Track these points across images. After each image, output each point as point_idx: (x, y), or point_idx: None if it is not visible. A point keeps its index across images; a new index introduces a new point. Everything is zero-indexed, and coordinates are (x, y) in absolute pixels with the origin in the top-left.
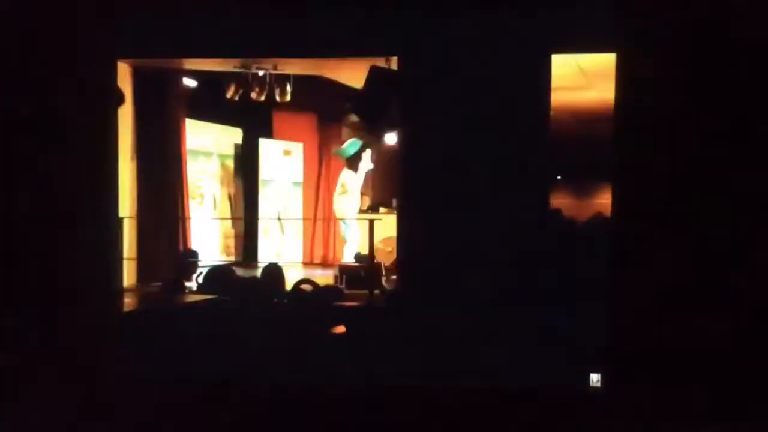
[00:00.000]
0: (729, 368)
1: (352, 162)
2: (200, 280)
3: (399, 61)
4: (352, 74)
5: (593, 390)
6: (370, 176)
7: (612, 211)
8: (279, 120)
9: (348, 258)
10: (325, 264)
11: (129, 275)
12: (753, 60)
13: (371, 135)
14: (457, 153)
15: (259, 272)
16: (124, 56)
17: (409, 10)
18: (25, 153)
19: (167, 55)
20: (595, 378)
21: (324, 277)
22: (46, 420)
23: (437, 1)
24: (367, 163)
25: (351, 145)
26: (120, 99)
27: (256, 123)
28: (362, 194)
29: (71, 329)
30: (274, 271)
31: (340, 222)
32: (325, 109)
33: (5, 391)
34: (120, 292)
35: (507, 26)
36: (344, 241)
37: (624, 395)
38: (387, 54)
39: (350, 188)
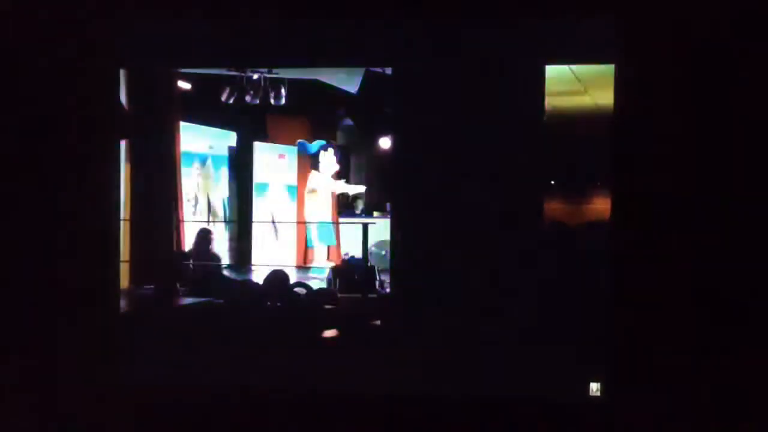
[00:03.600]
0: (730, 370)
1: (314, 161)
2: (194, 283)
3: (393, 70)
4: (347, 78)
5: (593, 398)
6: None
7: (611, 215)
8: (273, 123)
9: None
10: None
11: (122, 278)
12: (752, 66)
13: (366, 138)
14: (450, 157)
15: (252, 275)
16: (127, 65)
17: (404, 20)
18: (27, 157)
19: (167, 65)
20: (594, 386)
21: (317, 280)
22: (45, 420)
23: (432, 10)
24: (329, 163)
25: (314, 144)
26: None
27: (251, 126)
28: (355, 198)
29: (71, 331)
30: (279, 276)
31: (307, 226)
32: (320, 113)
33: (5, 392)
34: (118, 293)
35: (502, 36)
36: (312, 246)
37: (624, 403)
38: (382, 64)
39: (318, 190)
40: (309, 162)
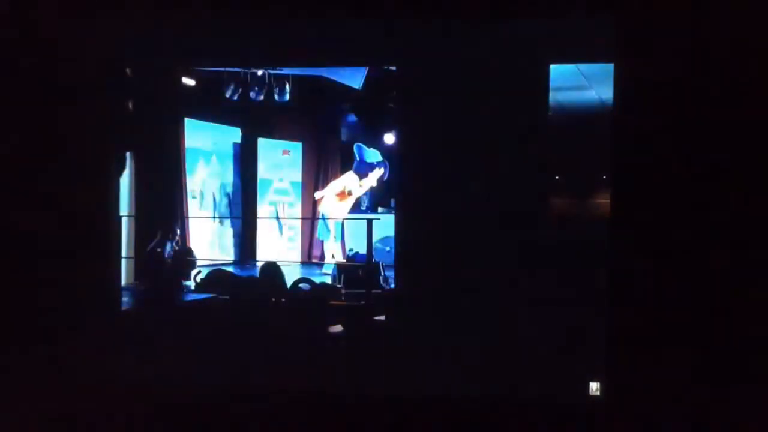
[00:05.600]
0: (729, 369)
1: (363, 168)
2: (198, 279)
3: (397, 66)
4: (351, 74)
5: (593, 398)
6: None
7: (611, 214)
8: (278, 120)
9: (331, 258)
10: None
11: (128, 274)
12: (751, 65)
13: (369, 134)
14: (454, 153)
15: (257, 271)
16: (131, 63)
17: (408, 20)
18: (27, 153)
19: (171, 63)
20: (594, 386)
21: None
22: (45, 419)
23: (435, 9)
24: (374, 178)
25: (373, 153)
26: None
27: (255, 123)
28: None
29: (71, 330)
30: (272, 269)
31: (321, 222)
32: (324, 109)
33: (5, 391)
34: (119, 290)
35: (506, 36)
36: (327, 240)
37: (624, 403)
38: (386, 62)
39: (355, 193)
40: (354, 165)
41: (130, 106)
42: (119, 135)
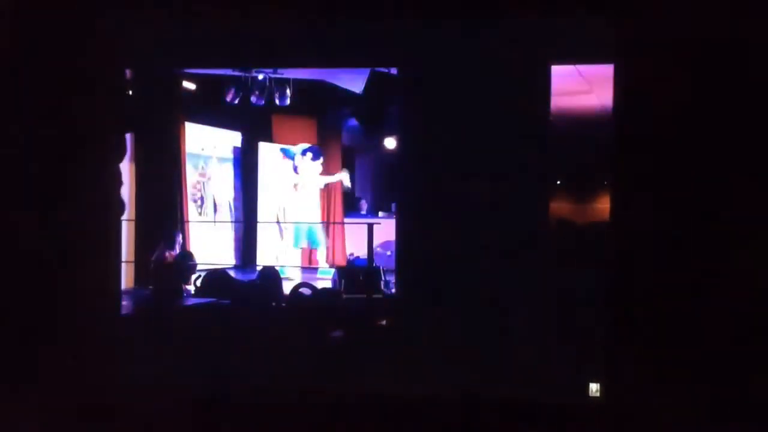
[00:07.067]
0: (731, 370)
1: (295, 166)
2: (198, 283)
3: (399, 70)
4: (352, 78)
5: (593, 398)
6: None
7: (611, 215)
8: (278, 124)
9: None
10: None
11: (127, 278)
12: (753, 65)
13: (371, 138)
14: (456, 157)
15: (257, 275)
16: (132, 66)
17: (409, 21)
18: (28, 157)
19: (173, 65)
20: (594, 386)
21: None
22: (45, 421)
23: (437, 12)
24: (307, 168)
25: (292, 150)
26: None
27: (256, 126)
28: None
29: (70, 331)
30: (270, 273)
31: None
32: (325, 113)
33: (5, 392)
34: (119, 294)
35: (507, 37)
36: (297, 247)
37: (624, 403)
38: (388, 65)
39: (299, 189)
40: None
41: (131, 108)
42: (120, 136)
